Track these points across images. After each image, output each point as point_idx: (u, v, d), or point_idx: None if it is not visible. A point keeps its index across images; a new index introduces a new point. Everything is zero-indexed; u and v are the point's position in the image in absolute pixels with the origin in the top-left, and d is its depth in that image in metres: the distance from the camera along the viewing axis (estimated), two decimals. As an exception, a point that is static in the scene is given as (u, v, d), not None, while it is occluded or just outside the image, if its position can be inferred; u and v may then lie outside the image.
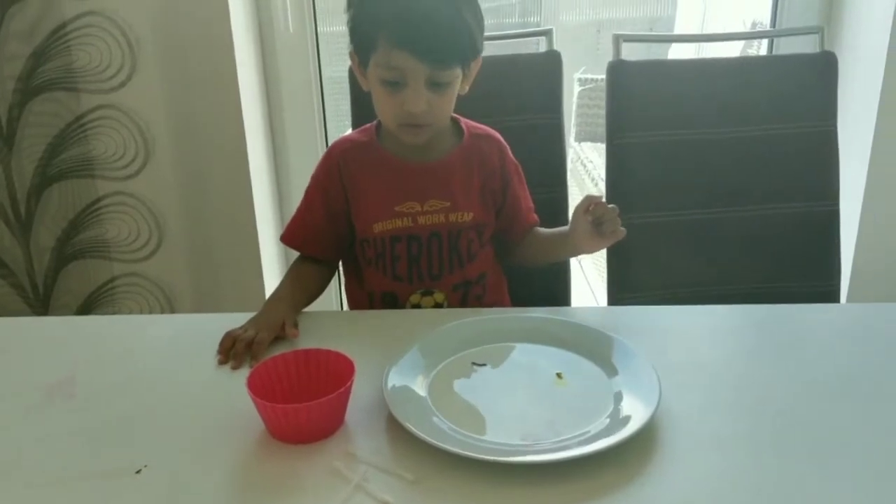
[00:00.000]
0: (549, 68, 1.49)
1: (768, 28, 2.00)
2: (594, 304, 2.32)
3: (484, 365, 0.96)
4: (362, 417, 0.88)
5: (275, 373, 0.90)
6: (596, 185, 3.08)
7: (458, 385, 0.92)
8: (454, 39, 1.07)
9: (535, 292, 1.37)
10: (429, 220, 1.19)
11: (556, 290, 1.49)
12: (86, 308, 1.87)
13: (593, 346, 0.97)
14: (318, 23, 1.88)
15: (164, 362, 1.04)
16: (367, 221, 1.20)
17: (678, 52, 3.15)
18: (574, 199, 1.27)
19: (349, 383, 0.85)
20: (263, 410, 0.85)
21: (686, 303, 1.46)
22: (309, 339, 1.05)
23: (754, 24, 3.24)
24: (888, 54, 1.68)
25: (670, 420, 0.85)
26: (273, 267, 1.90)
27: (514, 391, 0.91)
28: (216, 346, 1.04)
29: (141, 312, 1.87)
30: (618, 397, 0.88)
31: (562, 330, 1.01)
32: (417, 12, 1.05)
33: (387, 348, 0.98)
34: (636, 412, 0.83)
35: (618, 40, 1.53)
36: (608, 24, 4.05)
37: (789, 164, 1.48)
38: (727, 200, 1.48)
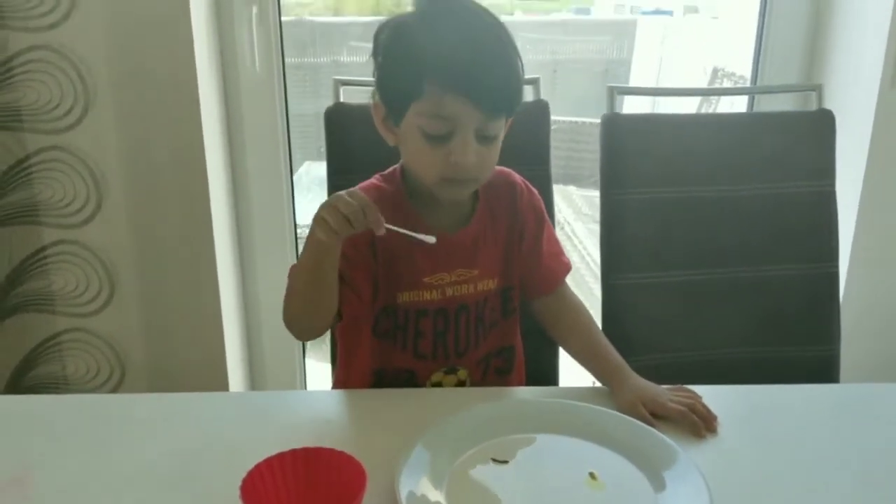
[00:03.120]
0: (537, 118, 1.41)
1: (748, 84, 1.97)
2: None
3: (505, 462, 0.86)
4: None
5: (270, 478, 0.77)
6: (562, 228, 3.03)
7: (478, 488, 0.82)
8: (509, 85, 0.98)
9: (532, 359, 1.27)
10: (457, 292, 1.09)
11: (541, 362, 1.38)
12: (24, 366, 1.70)
13: (627, 439, 0.87)
14: (284, 56, 1.78)
15: (135, 455, 0.90)
16: (391, 289, 1.08)
17: (632, 105, 3.14)
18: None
19: (360, 499, 0.74)
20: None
21: (682, 368, 1.42)
22: (305, 426, 0.93)
23: (715, 71, 3.26)
24: (875, 113, 1.66)
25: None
26: (234, 323, 1.76)
27: (543, 495, 0.81)
28: (198, 433, 0.91)
29: (87, 371, 1.70)
30: (663, 502, 0.78)
31: (592, 420, 0.91)
32: (475, 54, 0.95)
33: (396, 436, 0.87)
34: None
35: (612, 92, 1.47)
36: (564, 65, 4.05)
37: (787, 225, 1.43)
38: (723, 261, 1.43)
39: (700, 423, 0.94)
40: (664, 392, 1.00)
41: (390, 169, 1.12)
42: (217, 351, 1.67)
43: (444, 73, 0.94)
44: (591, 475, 0.84)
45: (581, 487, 0.82)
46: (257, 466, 0.77)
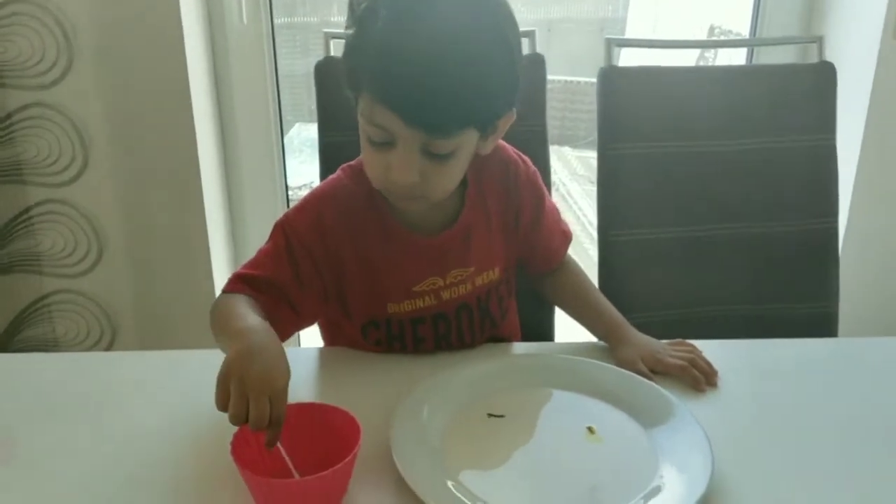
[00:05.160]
0: (532, 73, 1.38)
1: (746, 35, 1.94)
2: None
3: (501, 417, 0.84)
4: (369, 480, 0.75)
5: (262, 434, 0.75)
6: (557, 189, 3.01)
7: (475, 442, 0.80)
8: (460, 103, 0.80)
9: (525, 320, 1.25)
10: (454, 294, 1.01)
11: (536, 319, 1.35)
12: (12, 329, 1.67)
13: (626, 394, 0.86)
14: (273, 14, 1.73)
15: (125, 414, 0.88)
16: (375, 302, 0.99)
17: (629, 57, 3.09)
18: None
19: (353, 453, 0.72)
20: (252, 484, 0.71)
21: (680, 325, 1.40)
22: (298, 382, 0.90)
23: (711, 29, 3.21)
24: (877, 66, 1.63)
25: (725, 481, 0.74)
26: (223, 274, 1.73)
27: (542, 448, 0.79)
28: (189, 391, 0.88)
29: (77, 333, 1.68)
30: (662, 455, 0.77)
31: (590, 374, 0.90)
32: (418, 66, 0.78)
33: (392, 392, 0.85)
34: (689, 477, 0.73)
35: (610, 45, 1.43)
36: (559, 24, 3.99)
37: (787, 180, 1.41)
38: (722, 216, 1.40)
39: (700, 378, 0.93)
40: (664, 347, 0.98)
41: (359, 159, 0.98)
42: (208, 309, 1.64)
43: (373, 81, 0.81)
44: (590, 429, 0.82)
45: (579, 441, 0.81)
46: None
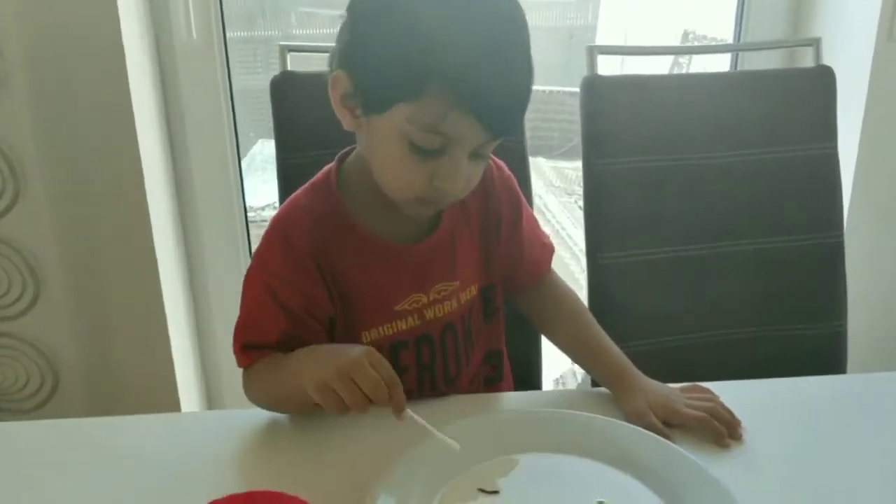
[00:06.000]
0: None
1: (725, 40, 1.84)
2: (569, 367, 2.08)
3: (495, 493, 0.71)
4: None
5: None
6: (534, 202, 2.89)
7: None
8: (526, 102, 0.79)
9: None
10: (439, 312, 0.91)
11: (520, 355, 1.22)
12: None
13: (639, 456, 0.73)
14: (226, 28, 1.60)
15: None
16: (351, 330, 0.89)
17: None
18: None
19: None
20: None
21: (677, 353, 1.30)
22: (234, 457, 0.78)
23: (686, 35, 3.13)
24: (872, 69, 1.54)
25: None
26: (182, 321, 1.59)
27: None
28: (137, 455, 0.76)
29: (16, 381, 1.52)
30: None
31: (596, 434, 0.77)
32: (498, 62, 0.74)
33: (358, 469, 0.72)
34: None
35: (592, 52, 1.32)
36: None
37: (787, 192, 1.31)
38: (720, 234, 1.30)
39: (722, 431, 0.80)
40: (677, 395, 0.86)
41: (320, 175, 0.91)
42: (162, 353, 1.50)
43: (459, 83, 0.73)
44: (601, 504, 0.69)
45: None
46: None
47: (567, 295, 1.03)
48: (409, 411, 0.73)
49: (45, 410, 1.53)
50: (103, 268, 1.47)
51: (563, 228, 2.73)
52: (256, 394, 0.88)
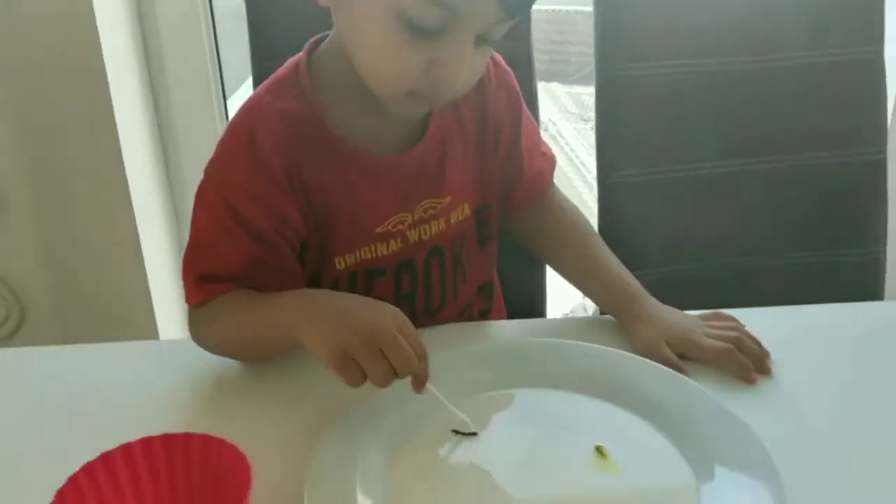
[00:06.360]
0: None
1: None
2: (579, 302, 1.95)
3: (473, 434, 0.60)
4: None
5: (107, 485, 0.53)
6: (546, 129, 2.76)
7: (434, 475, 0.56)
8: None
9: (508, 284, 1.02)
10: (424, 234, 0.80)
11: (522, 288, 1.14)
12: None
13: (649, 394, 0.62)
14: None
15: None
16: (323, 255, 0.78)
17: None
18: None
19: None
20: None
21: (699, 282, 1.19)
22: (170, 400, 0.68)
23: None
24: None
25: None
26: (161, 270, 1.48)
27: (528, 485, 0.56)
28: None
29: None
30: (708, 489, 0.53)
31: (598, 367, 0.65)
32: None
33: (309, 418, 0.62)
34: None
35: (606, -53, 1.17)
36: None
37: (824, 102, 1.17)
38: (745, 149, 1.18)
39: (748, 365, 0.69)
40: (697, 324, 0.74)
41: (286, 69, 0.78)
42: (139, 277, 1.40)
43: None
44: (599, 451, 0.58)
45: (584, 470, 0.57)
46: (83, 470, 0.51)
47: (569, 212, 0.91)
48: (429, 385, 0.62)
49: (13, 344, 1.45)
50: (71, 188, 1.37)
51: (578, 156, 2.61)
52: (213, 336, 0.76)
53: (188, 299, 0.77)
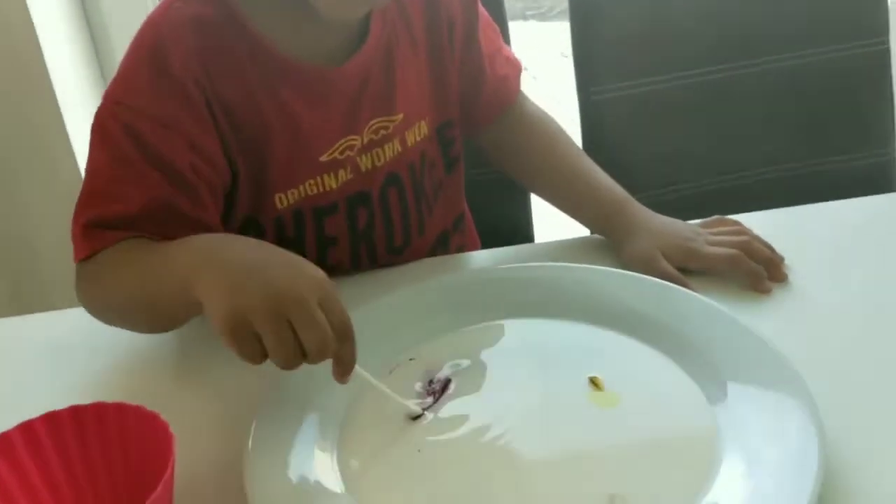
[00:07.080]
0: None
1: None
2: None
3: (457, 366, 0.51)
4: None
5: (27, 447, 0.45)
6: (526, 69, 2.65)
7: (408, 435, 0.48)
8: None
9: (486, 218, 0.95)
10: (379, 159, 0.70)
11: (512, 213, 1.08)
12: None
13: (647, 313, 0.53)
14: None
15: None
16: (259, 194, 0.66)
17: None
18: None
19: (165, 477, 0.41)
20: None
21: (695, 202, 1.10)
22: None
23: None
24: None
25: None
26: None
27: (518, 422, 0.47)
28: None
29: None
30: (726, 420, 0.45)
31: (587, 287, 0.57)
32: None
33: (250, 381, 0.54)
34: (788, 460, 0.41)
35: None
36: None
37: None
38: (738, 50, 1.10)
39: (761, 271, 0.60)
40: (696, 231, 0.66)
41: None
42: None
43: None
44: (593, 382, 0.49)
45: (579, 404, 0.48)
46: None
47: (543, 121, 0.81)
48: (358, 368, 0.50)
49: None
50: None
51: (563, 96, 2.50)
52: (99, 296, 0.63)
53: (75, 253, 0.63)
